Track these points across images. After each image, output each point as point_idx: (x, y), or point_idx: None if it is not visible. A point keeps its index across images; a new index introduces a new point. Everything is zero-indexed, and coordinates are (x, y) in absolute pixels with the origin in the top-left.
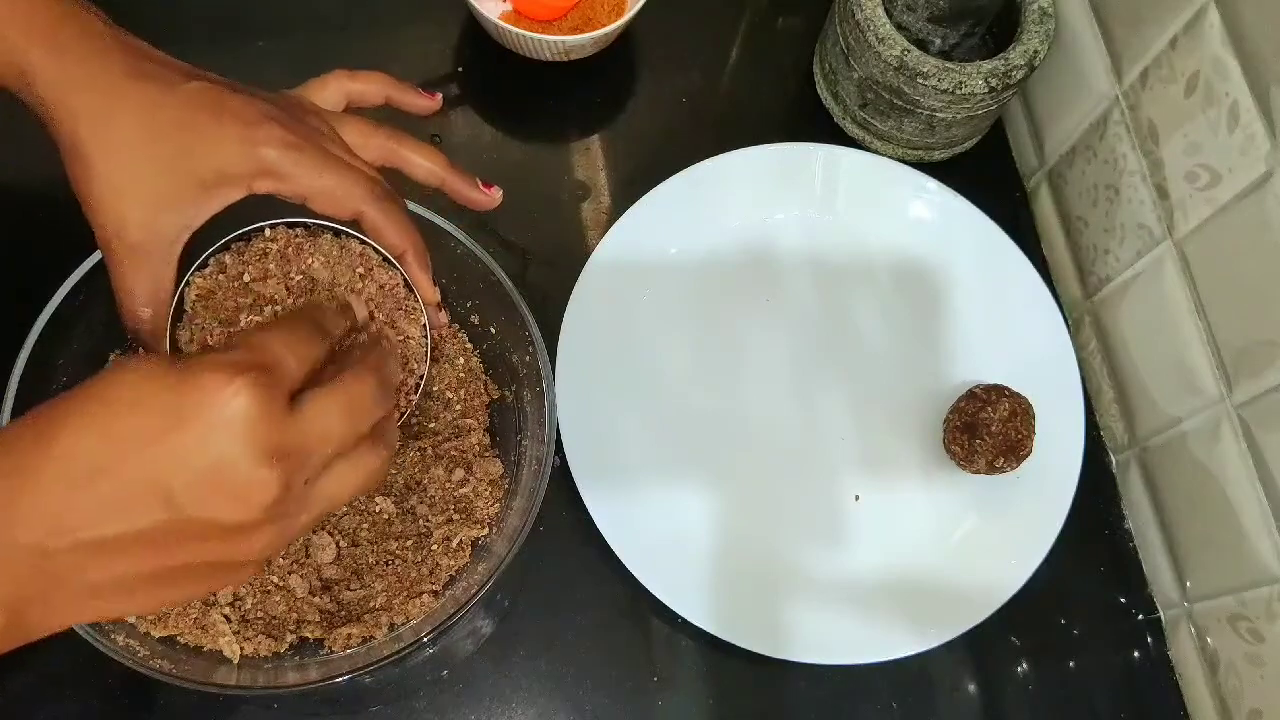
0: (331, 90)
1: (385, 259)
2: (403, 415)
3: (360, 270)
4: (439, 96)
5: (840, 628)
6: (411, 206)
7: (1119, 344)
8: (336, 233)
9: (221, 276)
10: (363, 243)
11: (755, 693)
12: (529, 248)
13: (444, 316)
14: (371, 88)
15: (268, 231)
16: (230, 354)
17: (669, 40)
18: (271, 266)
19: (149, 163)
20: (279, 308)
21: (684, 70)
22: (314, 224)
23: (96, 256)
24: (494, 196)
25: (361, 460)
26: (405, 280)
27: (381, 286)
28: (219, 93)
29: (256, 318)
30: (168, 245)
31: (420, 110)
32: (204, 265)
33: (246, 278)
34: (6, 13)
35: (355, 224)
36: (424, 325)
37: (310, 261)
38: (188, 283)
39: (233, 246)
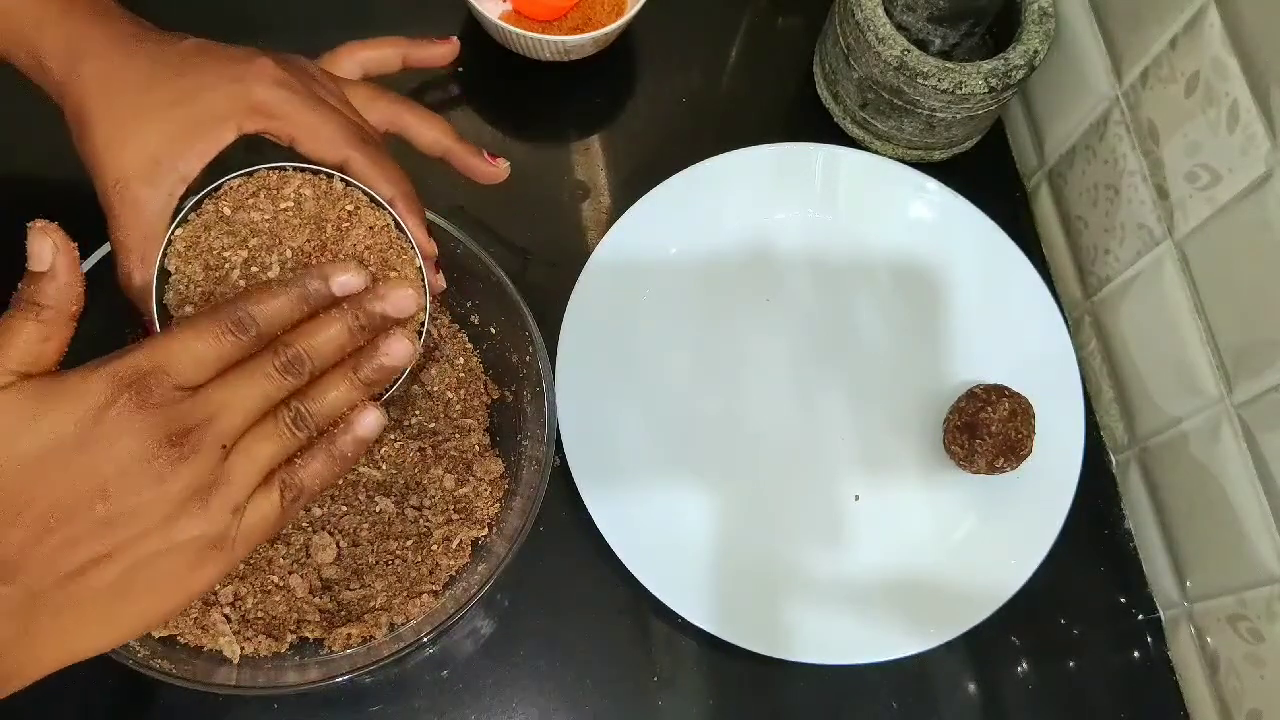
0: (344, 61)
1: (375, 201)
2: (404, 370)
3: (349, 207)
4: (454, 39)
5: (840, 628)
6: None
7: (1119, 344)
8: (326, 176)
9: (198, 219)
10: (349, 184)
11: (755, 693)
12: (529, 248)
13: (440, 279)
14: (385, 51)
15: (256, 178)
16: (113, 364)
17: (669, 40)
18: (260, 197)
19: (146, 113)
20: (261, 239)
21: (684, 70)
22: (303, 167)
23: (95, 258)
24: (500, 168)
25: (275, 427)
26: (397, 222)
27: (371, 227)
28: (215, 44)
29: (243, 254)
30: (164, 198)
31: (440, 59)
32: (185, 221)
33: (226, 210)
34: None
35: (344, 172)
36: (419, 267)
37: (300, 188)
38: (169, 242)
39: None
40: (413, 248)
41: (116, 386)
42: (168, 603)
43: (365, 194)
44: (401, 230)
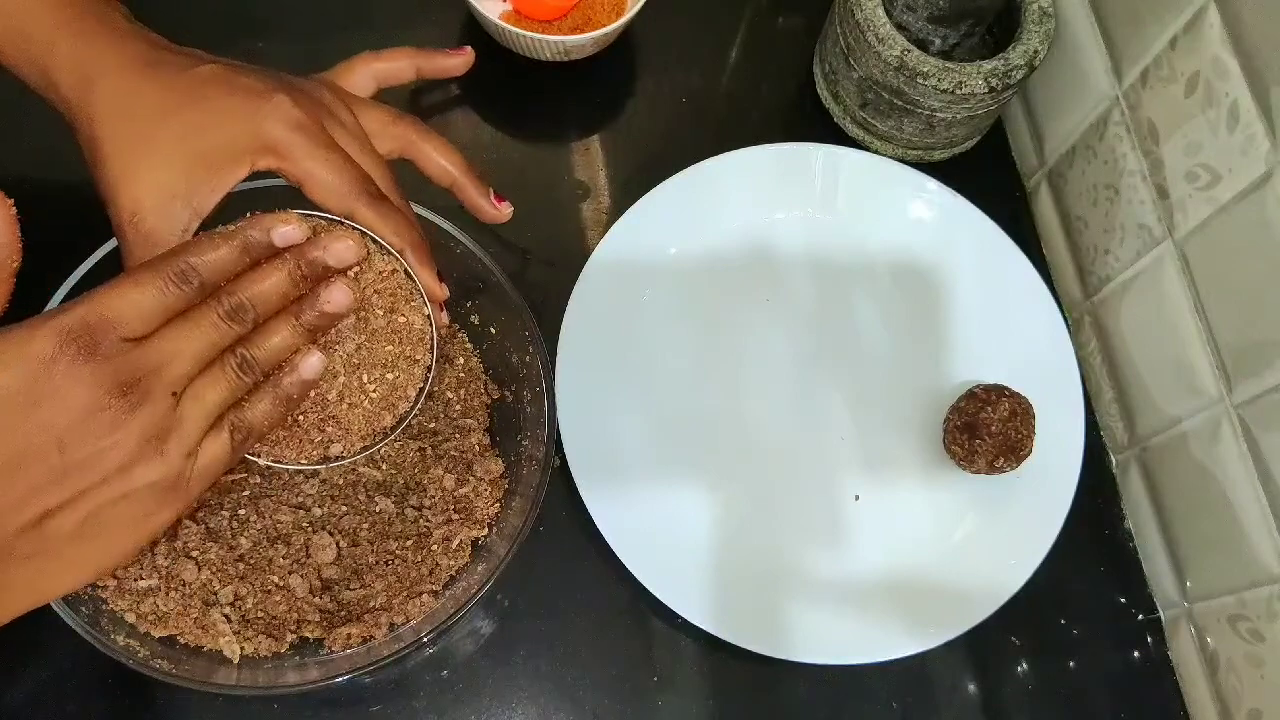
0: (359, 74)
1: (382, 247)
2: (412, 408)
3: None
4: (469, 49)
5: (840, 628)
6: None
7: (1119, 344)
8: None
9: None
10: (361, 233)
11: (755, 693)
12: (529, 248)
13: (444, 316)
14: (398, 64)
15: None
16: (59, 318)
17: (669, 40)
18: None
19: (160, 146)
20: None
21: (684, 70)
22: (313, 215)
23: (95, 259)
24: (503, 212)
25: (222, 372)
26: (406, 269)
27: (380, 273)
28: (233, 71)
29: None
30: (179, 234)
31: (454, 70)
32: None
33: None
34: (36, 10)
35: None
36: (427, 315)
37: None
38: None
39: None
40: (421, 294)
41: (63, 339)
42: (128, 544)
43: (375, 241)
44: (409, 276)
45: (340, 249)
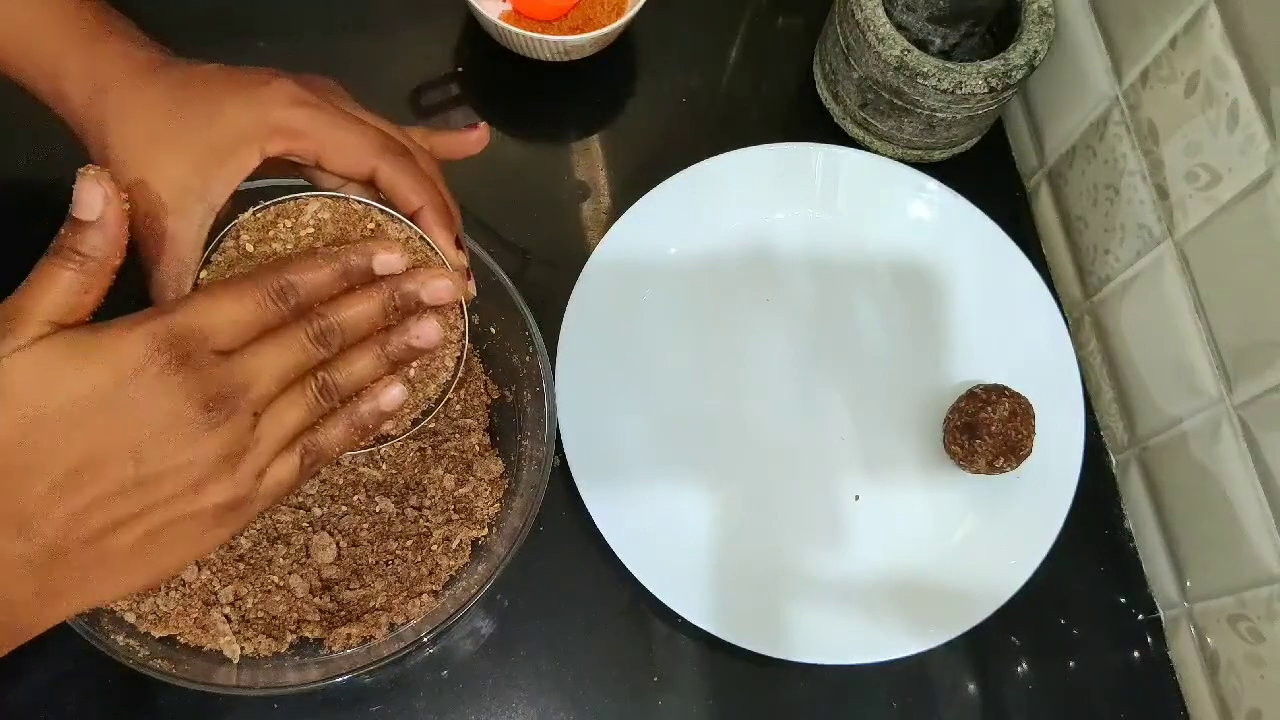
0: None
1: (392, 215)
2: (453, 377)
3: (370, 225)
4: (484, 124)
5: (840, 628)
6: None
7: (1119, 344)
8: (343, 199)
9: (221, 257)
10: (365, 204)
11: (755, 693)
12: (529, 248)
13: (471, 285)
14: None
15: (273, 208)
16: (152, 323)
17: (669, 40)
18: (280, 227)
19: (168, 141)
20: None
21: (684, 70)
22: (317, 194)
23: None
24: (458, 277)
25: (303, 395)
26: (423, 236)
27: (396, 241)
28: (235, 67)
29: None
30: (195, 229)
31: (471, 145)
32: (208, 264)
33: (250, 247)
34: (48, 20)
35: (370, 192)
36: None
37: (319, 212)
38: (196, 286)
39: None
40: (443, 260)
41: (156, 346)
42: (180, 560)
43: (383, 211)
44: (426, 242)
45: (437, 286)
